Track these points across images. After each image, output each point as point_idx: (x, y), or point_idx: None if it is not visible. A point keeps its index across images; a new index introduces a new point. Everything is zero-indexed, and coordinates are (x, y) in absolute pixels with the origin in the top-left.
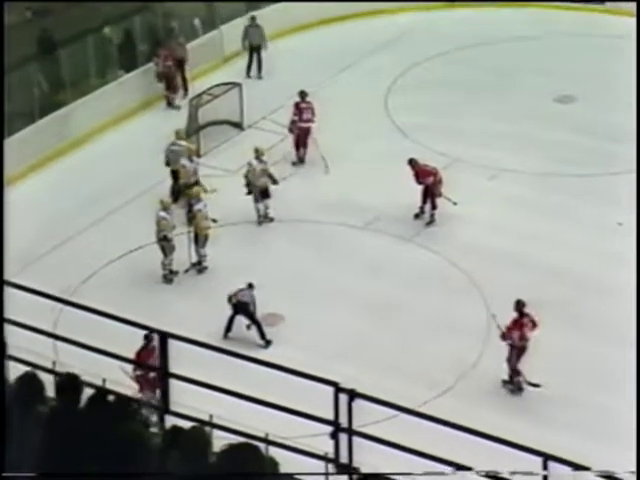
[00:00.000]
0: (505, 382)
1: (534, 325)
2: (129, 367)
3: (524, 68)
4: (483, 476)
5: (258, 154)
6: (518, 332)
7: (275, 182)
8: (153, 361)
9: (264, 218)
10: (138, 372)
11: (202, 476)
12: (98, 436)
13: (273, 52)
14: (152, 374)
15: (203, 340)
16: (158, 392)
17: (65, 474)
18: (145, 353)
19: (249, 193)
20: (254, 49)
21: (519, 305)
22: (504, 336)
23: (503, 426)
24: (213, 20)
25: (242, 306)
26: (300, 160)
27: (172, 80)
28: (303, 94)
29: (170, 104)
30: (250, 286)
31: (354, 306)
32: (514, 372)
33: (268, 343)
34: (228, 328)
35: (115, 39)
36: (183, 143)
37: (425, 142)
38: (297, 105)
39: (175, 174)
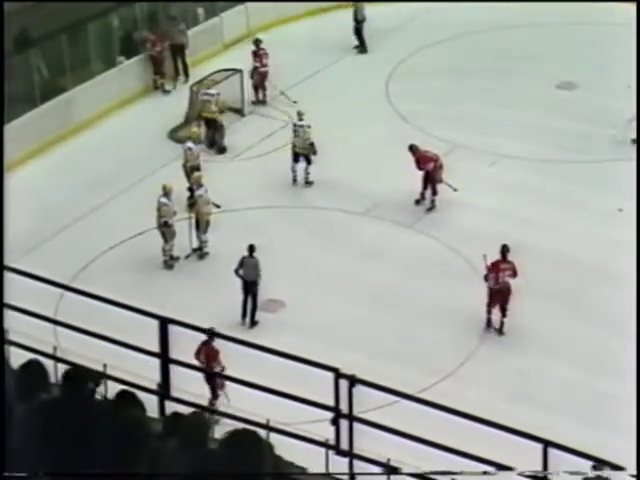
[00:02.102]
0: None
1: (514, 274)
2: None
3: (526, 55)
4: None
5: (300, 116)
6: (494, 274)
7: (314, 151)
8: (218, 361)
9: (307, 179)
10: (218, 368)
11: (201, 464)
12: (98, 421)
13: (275, 39)
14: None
15: (204, 326)
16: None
17: (64, 461)
18: (211, 352)
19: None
20: (359, 23)
21: (504, 249)
22: (486, 277)
23: (503, 411)
24: (214, 7)
25: (251, 286)
26: (260, 101)
27: (160, 65)
28: (258, 41)
29: (158, 88)
30: (251, 249)
31: (355, 292)
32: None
33: (253, 324)
34: (244, 312)
35: (116, 28)
36: (213, 92)
37: (426, 128)
38: (255, 53)
39: (208, 122)
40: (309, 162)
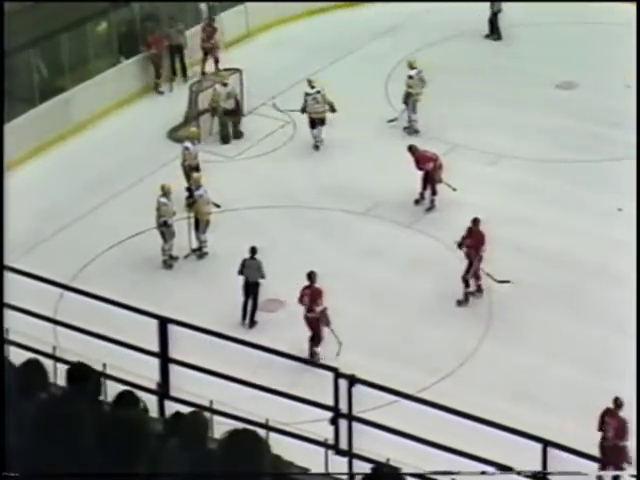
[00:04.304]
0: (460, 302)
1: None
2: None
3: (525, 54)
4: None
5: (312, 83)
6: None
7: (334, 110)
8: (321, 301)
9: (320, 142)
10: (310, 315)
11: (200, 464)
12: (97, 421)
13: (274, 39)
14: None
15: (203, 325)
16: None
17: (63, 461)
18: (314, 290)
19: (303, 112)
20: (495, 14)
21: (475, 222)
22: (460, 245)
23: (503, 411)
24: (214, 7)
25: (253, 287)
26: (203, 73)
27: (158, 67)
28: (211, 20)
29: (155, 89)
30: (253, 251)
31: (354, 292)
32: (474, 279)
33: (253, 324)
34: (244, 314)
35: (101, 28)
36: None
37: (425, 128)
38: (204, 28)
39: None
40: (323, 124)
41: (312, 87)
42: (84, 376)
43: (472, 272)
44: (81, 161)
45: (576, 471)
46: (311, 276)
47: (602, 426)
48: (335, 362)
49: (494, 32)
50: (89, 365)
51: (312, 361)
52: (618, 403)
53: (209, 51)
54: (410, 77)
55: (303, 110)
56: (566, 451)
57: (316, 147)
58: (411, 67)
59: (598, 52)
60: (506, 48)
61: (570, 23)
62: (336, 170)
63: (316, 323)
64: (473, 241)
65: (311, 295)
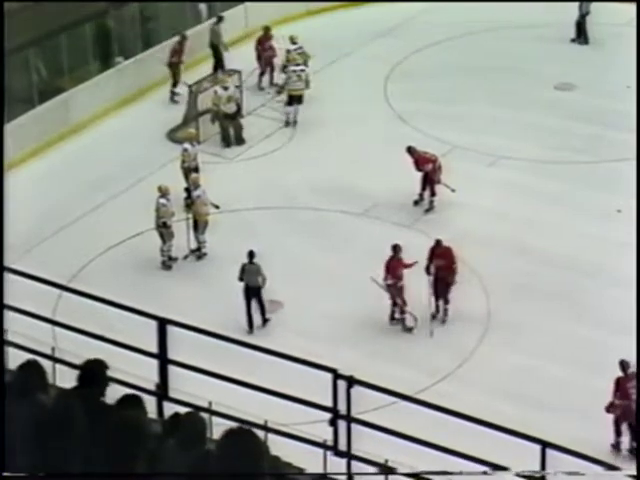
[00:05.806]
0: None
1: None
2: (379, 278)
3: (524, 55)
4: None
5: (297, 60)
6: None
7: (307, 87)
8: (402, 270)
9: (293, 123)
10: (389, 281)
11: (198, 464)
12: (96, 421)
13: (274, 39)
14: (401, 283)
15: (202, 326)
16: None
17: (63, 461)
18: (395, 262)
19: (281, 90)
20: (583, 16)
21: (438, 244)
22: (428, 269)
23: (502, 412)
24: (213, 7)
25: (254, 291)
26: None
27: (176, 75)
28: (266, 28)
29: (171, 98)
30: (251, 255)
31: (353, 293)
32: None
33: (265, 322)
34: (250, 320)
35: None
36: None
37: (425, 129)
38: (260, 41)
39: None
40: (301, 102)
41: (298, 64)
42: (97, 372)
43: (449, 291)
44: (81, 161)
45: (575, 472)
46: (395, 249)
47: (621, 392)
48: (335, 362)
49: (581, 35)
50: (103, 362)
51: (311, 362)
52: (624, 365)
53: (268, 61)
54: (288, 51)
55: (281, 88)
56: (565, 452)
57: (287, 124)
58: (292, 42)
59: (598, 52)
60: (506, 49)
61: (570, 24)
62: (335, 171)
63: (394, 292)
64: (444, 261)
65: (389, 267)
